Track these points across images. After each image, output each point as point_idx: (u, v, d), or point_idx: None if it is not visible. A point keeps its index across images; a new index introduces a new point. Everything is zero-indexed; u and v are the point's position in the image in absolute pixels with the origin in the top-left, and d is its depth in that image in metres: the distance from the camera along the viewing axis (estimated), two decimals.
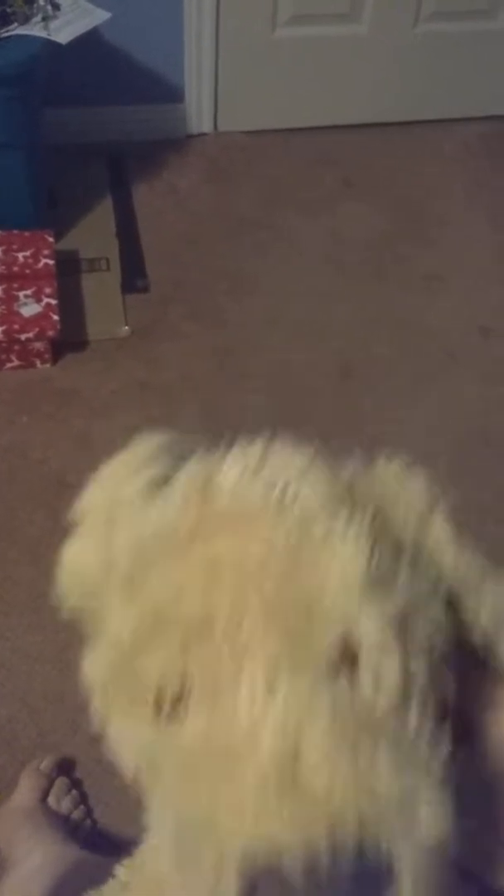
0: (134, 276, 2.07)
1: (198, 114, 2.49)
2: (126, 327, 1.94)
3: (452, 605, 0.39)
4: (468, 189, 2.42)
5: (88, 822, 1.22)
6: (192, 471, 0.42)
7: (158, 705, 0.36)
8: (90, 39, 1.89)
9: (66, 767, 1.27)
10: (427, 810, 0.32)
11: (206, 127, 2.52)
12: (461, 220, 2.32)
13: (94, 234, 2.15)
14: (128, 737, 0.39)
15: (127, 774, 0.40)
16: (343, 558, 0.35)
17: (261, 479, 0.39)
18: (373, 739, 0.32)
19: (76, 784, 1.26)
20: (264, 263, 2.15)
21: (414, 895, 0.31)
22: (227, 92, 2.47)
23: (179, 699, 0.36)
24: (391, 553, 0.37)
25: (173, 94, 2.44)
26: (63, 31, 1.80)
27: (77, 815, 1.20)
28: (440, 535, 0.39)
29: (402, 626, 0.34)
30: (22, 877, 1.02)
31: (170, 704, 0.36)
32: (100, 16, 1.89)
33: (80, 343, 1.90)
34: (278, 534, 0.36)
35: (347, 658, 0.34)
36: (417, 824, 0.31)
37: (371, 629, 0.34)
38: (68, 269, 2.00)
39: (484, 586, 0.39)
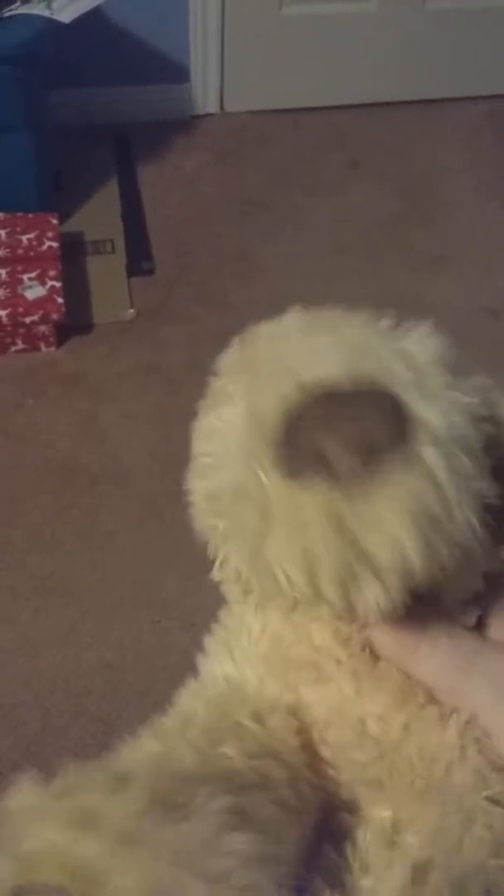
0: (139, 258, 2.05)
1: (203, 94, 2.47)
2: (131, 310, 1.93)
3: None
4: (477, 169, 2.39)
5: None
6: None
7: None
8: (94, 19, 1.87)
9: None
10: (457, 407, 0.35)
11: (212, 107, 2.50)
12: (469, 200, 2.30)
13: (100, 216, 2.13)
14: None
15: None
16: (424, 331, 0.40)
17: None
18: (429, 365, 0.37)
19: None
20: (270, 245, 2.13)
21: (428, 446, 0.32)
22: (233, 72, 2.44)
23: None
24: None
25: (179, 75, 2.42)
26: (66, 10, 1.78)
27: None
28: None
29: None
30: None
31: None
32: None
33: (86, 326, 1.89)
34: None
35: None
36: (443, 402, 0.34)
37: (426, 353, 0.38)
38: (73, 252, 1.99)
39: None
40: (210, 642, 0.46)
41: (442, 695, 0.38)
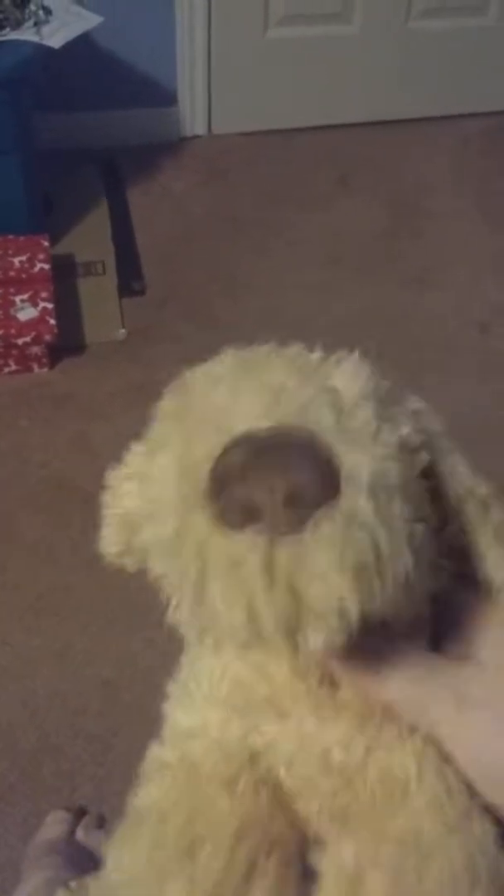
0: (130, 278, 2.07)
1: (191, 116, 2.50)
2: (123, 330, 1.94)
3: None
4: (464, 185, 2.42)
5: None
6: None
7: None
8: (82, 44, 1.90)
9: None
10: (382, 447, 0.35)
11: (200, 129, 2.53)
12: (457, 216, 2.33)
13: (90, 238, 2.15)
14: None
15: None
16: (352, 364, 0.40)
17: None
18: (353, 408, 0.36)
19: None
20: (260, 264, 2.15)
21: (356, 496, 0.33)
22: (221, 94, 2.47)
23: None
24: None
25: (166, 97, 2.44)
26: (55, 35, 1.80)
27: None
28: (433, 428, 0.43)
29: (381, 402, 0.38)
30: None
31: None
32: (92, 20, 1.90)
33: (78, 347, 1.90)
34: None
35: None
36: (368, 447, 0.34)
37: (354, 385, 0.38)
38: (64, 273, 2.01)
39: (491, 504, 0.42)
40: (173, 687, 0.47)
41: (405, 714, 0.38)
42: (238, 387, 0.38)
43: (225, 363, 0.42)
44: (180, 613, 0.37)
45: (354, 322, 1.99)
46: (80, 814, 1.23)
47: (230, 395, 0.37)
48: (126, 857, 0.41)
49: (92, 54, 2.23)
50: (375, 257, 2.19)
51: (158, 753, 0.45)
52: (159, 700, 1.33)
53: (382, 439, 0.35)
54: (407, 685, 0.38)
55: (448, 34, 2.49)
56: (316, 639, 0.33)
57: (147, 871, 0.39)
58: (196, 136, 2.53)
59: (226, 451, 0.34)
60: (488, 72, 2.58)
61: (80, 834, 1.18)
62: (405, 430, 0.38)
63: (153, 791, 0.43)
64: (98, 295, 2.02)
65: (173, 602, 0.38)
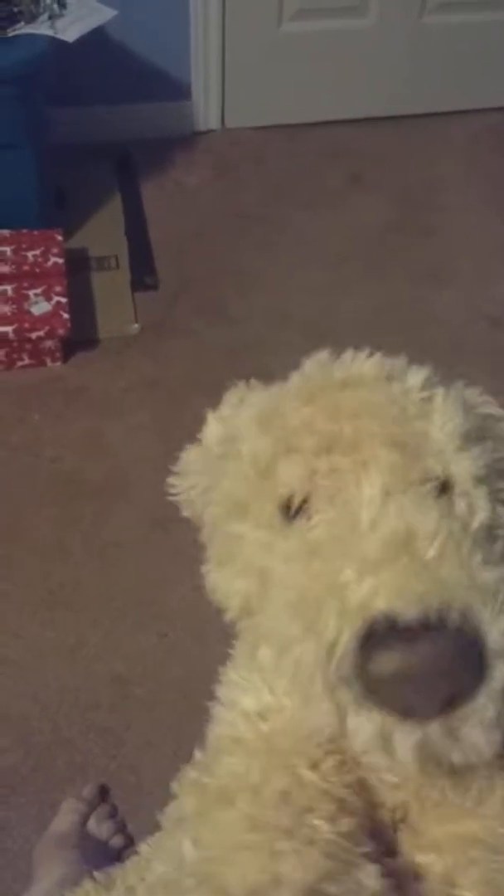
0: (143, 273, 2.07)
1: (205, 111, 2.49)
2: (136, 325, 1.95)
3: None
4: (475, 181, 2.41)
5: (131, 849, 1.19)
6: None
7: (288, 508, 0.42)
8: (96, 38, 1.90)
9: (107, 794, 1.25)
10: None
11: (214, 124, 2.52)
12: (469, 211, 2.32)
13: (103, 233, 2.16)
14: (246, 543, 0.44)
15: (232, 606, 0.46)
16: (444, 414, 0.42)
17: (368, 363, 0.47)
18: (469, 540, 0.37)
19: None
20: (272, 259, 2.15)
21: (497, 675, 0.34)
22: (234, 88, 2.46)
23: (305, 501, 0.41)
24: (479, 425, 0.44)
25: (180, 92, 2.44)
26: (70, 29, 1.80)
27: (117, 841, 1.17)
28: None
29: (489, 476, 0.41)
30: (34, 894, 1.03)
31: (298, 506, 0.42)
32: (106, 13, 1.90)
33: (91, 341, 1.90)
34: (389, 390, 0.43)
35: (445, 490, 0.40)
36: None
37: (467, 469, 0.40)
38: (78, 268, 2.01)
39: None
40: (231, 675, 0.47)
41: None
42: (337, 507, 0.40)
43: (291, 409, 0.45)
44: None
45: (365, 318, 1.99)
46: (102, 794, 1.24)
47: (342, 539, 0.38)
48: (212, 833, 0.41)
49: (106, 48, 2.23)
50: (386, 253, 2.18)
51: (227, 731, 0.46)
52: (170, 695, 1.35)
53: None
54: None
55: (462, 29, 2.48)
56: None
57: (251, 841, 0.39)
58: (209, 131, 2.53)
59: (372, 641, 0.34)
60: (502, 67, 2.57)
61: (92, 824, 1.19)
62: None
63: (233, 766, 0.43)
64: (111, 289, 2.02)
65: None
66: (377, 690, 0.34)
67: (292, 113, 2.53)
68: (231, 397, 0.54)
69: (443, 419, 0.41)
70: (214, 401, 0.61)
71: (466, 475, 0.39)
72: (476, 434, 0.43)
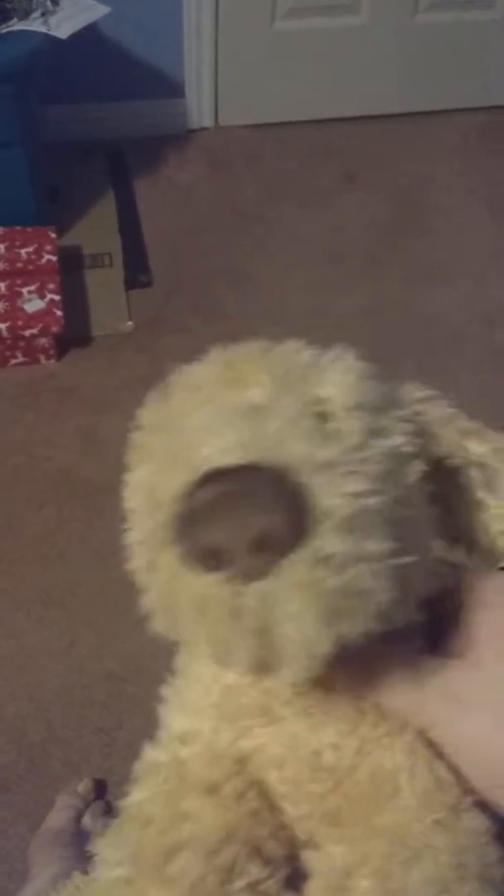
0: (137, 271, 2.07)
1: (198, 108, 2.49)
2: (129, 322, 1.94)
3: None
4: (468, 180, 2.41)
5: None
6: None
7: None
8: (89, 35, 1.89)
9: (103, 790, 1.25)
10: (356, 479, 0.33)
11: (207, 121, 2.52)
12: (461, 210, 2.32)
13: (97, 230, 2.15)
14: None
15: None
16: (345, 365, 0.39)
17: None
18: (327, 439, 0.34)
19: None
20: (266, 257, 2.15)
21: (328, 535, 0.32)
22: (228, 86, 2.46)
23: None
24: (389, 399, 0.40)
25: (174, 89, 2.44)
26: (62, 26, 1.79)
27: None
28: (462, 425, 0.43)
29: (374, 412, 0.37)
30: (26, 893, 1.03)
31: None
32: (99, 10, 1.89)
33: (84, 339, 1.90)
34: (299, 356, 0.40)
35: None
36: (342, 483, 0.33)
37: (348, 399, 0.37)
38: (71, 265, 2.01)
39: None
40: (169, 691, 0.47)
41: (400, 716, 0.38)
42: (214, 403, 0.38)
43: (208, 369, 0.41)
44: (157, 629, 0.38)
45: (359, 317, 1.99)
46: (98, 789, 1.24)
47: (204, 417, 0.37)
48: (113, 855, 0.41)
49: (98, 45, 2.22)
50: (380, 251, 2.19)
51: (152, 755, 0.45)
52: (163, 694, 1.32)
53: (365, 468, 0.34)
54: (401, 688, 0.38)
55: (455, 28, 2.48)
56: (289, 674, 0.33)
57: (130, 873, 0.39)
58: (203, 129, 2.52)
59: (193, 489, 0.33)
60: (495, 66, 2.57)
61: (87, 820, 1.19)
62: (397, 440, 0.37)
63: (142, 793, 0.43)
64: (105, 287, 2.02)
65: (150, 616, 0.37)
66: (196, 533, 0.32)
67: (285, 111, 2.53)
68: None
69: (340, 370, 0.38)
70: None
71: (346, 404, 0.37)
72: (378, 392, 0.40)
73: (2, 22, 1.78)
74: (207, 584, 0.32)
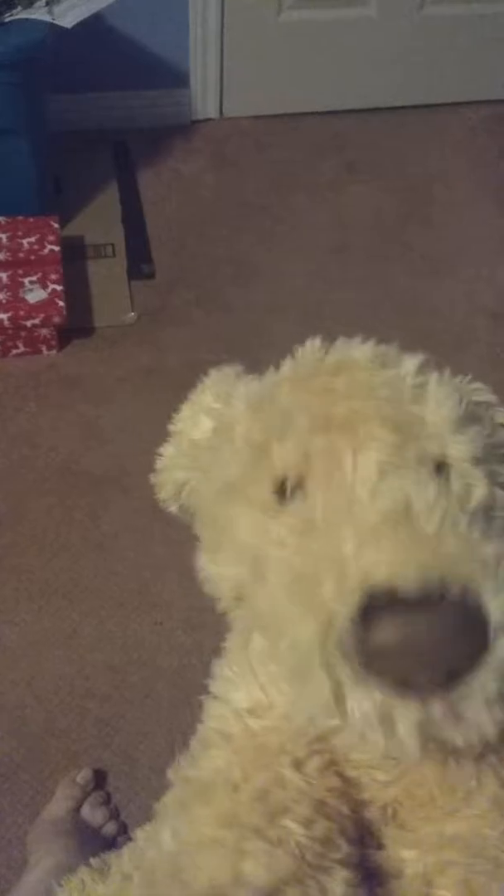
0: (139, 261, 2.06)
1: (203, 99, 2.48)
2: (132, 313, 1.94)
3: None
4: (474, 173, 2.41)
5: (124, 836, 1.20)
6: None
7: (283, 490, 0.41)
8: (94, 24, 1.88)
9: (102, 780, 1.25)
10: None
11: (212, 112, 2.51)
12: (468, 203, 2.31)
13: (100, 220, 2.15)
14: (239, 526, 0.43)
15: (225, 595, 0.45)
16: (438, 398, 0.42)
17: (362, 348, 0.47)
18: (467, 515, 0.37)
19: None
20: (270, 249, 2.14)
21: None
22: (233, 77, 2.45)
23: (300, 483, 0.40)
24: (471, 411, 0.43)
25: (178, 80, 2.43)
26: (67, 14, 1.79)
27: (110, 828, 1.18)
28: None
29: (486, 459, 0.40)
30: (25, 882, 1.03)
31: (293, 487, 0.41)
32: (104, 0, 1.88)
33: (86, 329, 1.90)
34: (383, 374, 0.43)
35: (441, 471, 0.39)
36: None
37: (463, 451, 0.40)
38: (74, 256, 2.00)
39: None
40: (223, 670, 0.46)
41: None
42: (342, 481, 0.39)
43: (291, 398, 0.43)
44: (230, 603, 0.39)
45: (363, 309, 1.98)
46: (97, 779, 1.24)
47: (341, 509, 0.37)
48: (188, 826, 0.40)
49: (103, 34, 2.21)
50: (386, 244, 2.18)
51: (217, 725, 0.45)
52: (164, 684, 1.35)
53: None
54: None
55: (462, 20, 2.47)
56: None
57: (221, 838, 0.39)
58: (207, 119, 2.51)
59: (367, 610, 0.33)
60: (503, 59, 2.56)
61: (86, 810, 1.19)
62: None
63: (217, 760, 0.43)
64: (107, 277, 2.01)
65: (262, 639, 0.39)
66: (376, 665, 0.33)
67: (291, 102, 2.52)
68: (209, 385, 0.54)
69: (437, 403, 0.41)
70: None
71: (463, 456, 0.39)
72: (470, 419, 0.42)
73: (7, 10, 1.77)
74: (392, 700, 0.33)
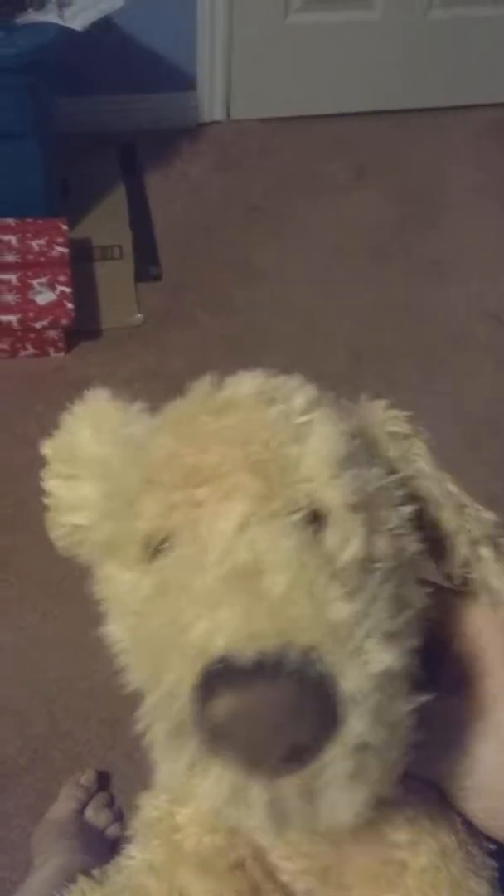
0: (147, 264, 2.07)
1: (210, 102, 2.48)
2: (139, 315, 1.94)
3: (426, 525, 0.41)
4: (479, 176, 2.41)
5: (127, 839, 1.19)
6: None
7: (148, 546, 0.38)
8: (102, 27, 1.89)
9: (106, 782, 1.26)
10: (376, 641, 0.32)
11: (219, 115, 2.51)
12: (472, 207, 2.31)
13: (107, 223, 2.15)
14: (116, 586, 0.42)
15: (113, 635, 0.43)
16: (320, 438, 0.37)
17: (249, 384, 0.43)
18: (326, 573, 0.33)
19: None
20: (276, 251, 2.14)
21: (360, 722, 0.31)
22: (240, 80, 2.46)
23: (167, 539, 0.38)
24: (366, 451, 0.39)
25: (186, 83, 2.43)
26: (77, 17, 1.79)
27: (114, 830, 1.18)
28: (422, 464, 0.41)
29: (369, 505, 0.36)
30: (30, 883, 1.03)
31: (158, 544, 0.38)
32: (114, 3, 1.89)
33: (94, 331, 1.90)
34: (266, 414, 0.39)
35: (317, 520, 0.36)
36: (364, 651, 0.31)
37: (339, 497, 0.35)
38: (81, 258, 2.00)
39: (465, 510, 0.41)
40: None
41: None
42: (194, 533, 0.36)
43: (164, 442, 0.40)
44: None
45: (368, 312, 1.98)
46: (101, 781, 1.24)
47: (189, 570, 0.35)
48: None
49: (112, 38, 2.22)
50: (390, 247, 2.18)
51: (147, 811, 0.45)
52: None
53: (379, 606, 0.33)
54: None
55: (468, 23, 2.47)
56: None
57: None
58: (214, 122, 2.52)
59: (207, 683, 0.31)
60: None
61: (89, 812, 1.20)
62: (399, 529, 0.37)
63: (140, 853, 0.44)
64: (115, 279, 2.01)
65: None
66: (222, 741, 0.31)
67: (297, 105, 2.52)
68: (84, 418, 0.49)
69: (317, 443, 0.37)
70: None
71: (339, 503, 0.35)
72: (360, 458, 0.38)
73: (17, 13, 1.78)
74: (240, 777, 0.31)
